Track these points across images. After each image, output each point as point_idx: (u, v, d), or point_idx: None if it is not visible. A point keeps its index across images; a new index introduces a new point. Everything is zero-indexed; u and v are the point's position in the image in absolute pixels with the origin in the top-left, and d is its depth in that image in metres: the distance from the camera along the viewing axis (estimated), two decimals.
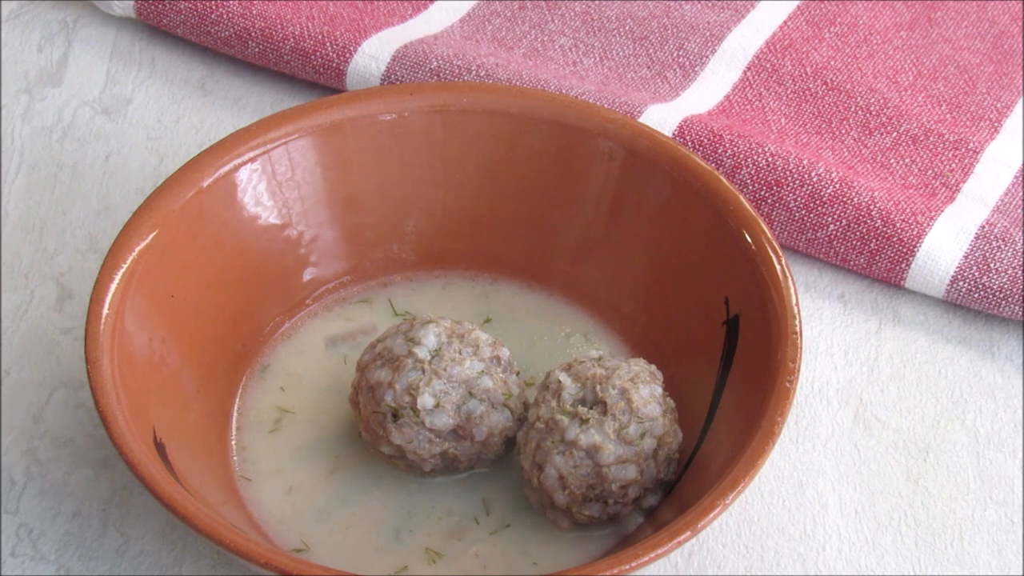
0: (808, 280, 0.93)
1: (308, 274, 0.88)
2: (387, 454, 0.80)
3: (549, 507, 0.79)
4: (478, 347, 0.80)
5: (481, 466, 0.81)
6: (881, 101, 0.98)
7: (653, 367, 0.80)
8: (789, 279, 0.80)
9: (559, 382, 0.79)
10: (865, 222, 0.91)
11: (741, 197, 0.83)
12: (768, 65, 1.00)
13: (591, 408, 0.78)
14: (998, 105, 0.99)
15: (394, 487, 0.81)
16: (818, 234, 0.92)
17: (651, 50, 1.01)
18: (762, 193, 0.93)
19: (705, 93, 0.99)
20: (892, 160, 0.96)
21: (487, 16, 1.03)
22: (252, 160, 0.85)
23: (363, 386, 0.80)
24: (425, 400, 0.78)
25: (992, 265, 0.90)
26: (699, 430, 0.81)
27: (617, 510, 0.78)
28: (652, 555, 0.71)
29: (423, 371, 0.78)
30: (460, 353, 0.79)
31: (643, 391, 0.78)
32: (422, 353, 0.79)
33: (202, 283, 0.84)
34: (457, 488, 0.81)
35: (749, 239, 0.82)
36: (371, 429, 0.80)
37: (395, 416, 0.79)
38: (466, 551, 0.79)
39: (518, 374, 0.82)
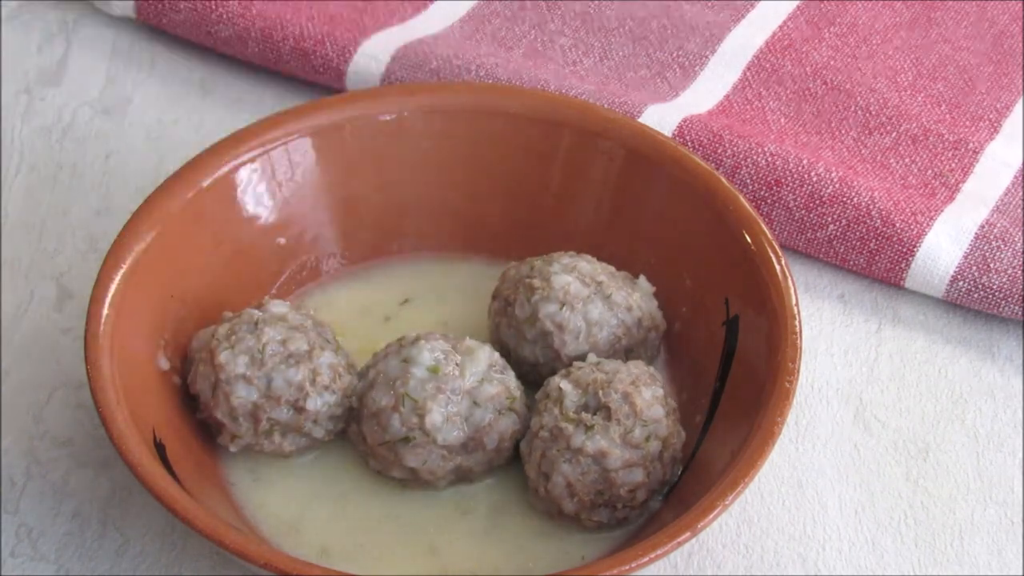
0: (808, 280, 0.93)
1: (308, 274, 0.88)
2: (399, 478, 0.79)
3: (557, 515, 0.78)
4: (473, 354, 0.79)
5: (491, 474, 0.81)
6: (881, 101, 0.98)
7: (652, 369, 0.80)
8: (789, 279, 0.80)
9: (560, 389, 0.78)
10: (865, 222, 0.91)
11: (741, 197, 0.83)
12: (768, 65, 1.00)
13: (595, 414, 0.77)
14: (998, 105, 0.99)
15: (394, 488, 0.81)
16: (818, 234, 0.92)
17: (651, 50, 1.01)
18: (762, 193, 0.93)
19: (705, 93, 0.99)
20: (892, 160, 0.96)
21: (487, 16, 1.03)
22: (252, 160, 0.85)
23: (364, 415, 0.79)
24: (434, 418, 0.77)
25: (992, 265, 0.90)
26: (699, 430, 0.81)
27: (626, 514, 0.78)
28: (652, 555, 0.71)
29: (425, 389, 0.78)
30: (458, 365, 0.78)
31: (646, 394, 0.78)
32: (420, 372, 0.78)
33: (202, 283, 0.84)
34: (462, 492, 0.80)
35: (749, 239, 0.82)
36: (380, 456, 0.78)
37: (405, 439, 0.78)
38: (466, 551, 0.79)
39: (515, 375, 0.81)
